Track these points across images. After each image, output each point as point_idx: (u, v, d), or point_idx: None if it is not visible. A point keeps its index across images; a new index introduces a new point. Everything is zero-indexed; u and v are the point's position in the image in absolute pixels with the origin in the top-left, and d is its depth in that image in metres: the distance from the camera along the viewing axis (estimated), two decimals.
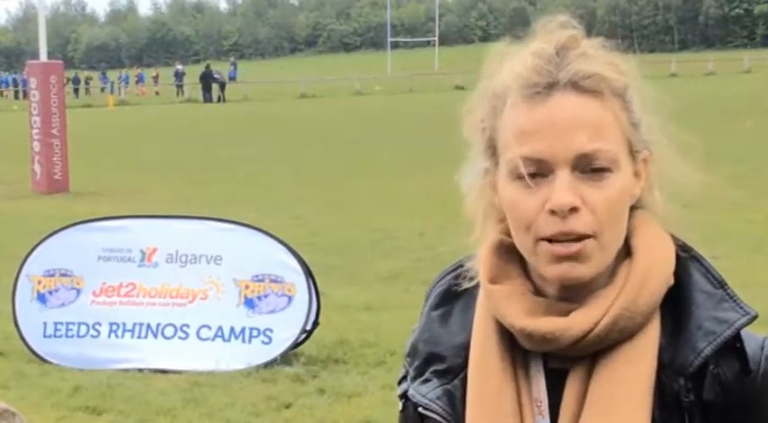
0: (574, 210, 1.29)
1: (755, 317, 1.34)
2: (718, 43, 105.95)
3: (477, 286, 1.43)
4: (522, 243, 1.34)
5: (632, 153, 1.35)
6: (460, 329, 1.43)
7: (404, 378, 1.49)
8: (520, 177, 1.32)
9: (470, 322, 1.42)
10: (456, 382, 1.41)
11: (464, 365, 1.40)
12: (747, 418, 1.34)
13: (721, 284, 1.37)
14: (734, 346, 1.33)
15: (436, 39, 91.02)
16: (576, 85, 1.32)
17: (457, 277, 1.47)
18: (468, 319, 1.43)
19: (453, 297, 1.46)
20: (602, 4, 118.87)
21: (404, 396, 1.48)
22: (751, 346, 1.35)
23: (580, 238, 1.30)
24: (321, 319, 7.33)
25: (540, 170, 1.30)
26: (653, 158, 1.38)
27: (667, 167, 1.39)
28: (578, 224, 1.29)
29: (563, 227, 1.29)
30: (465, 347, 1.41)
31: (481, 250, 1.43)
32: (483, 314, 1.41)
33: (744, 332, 1.34)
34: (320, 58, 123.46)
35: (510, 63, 1.36)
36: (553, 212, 1.29)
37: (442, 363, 1.42)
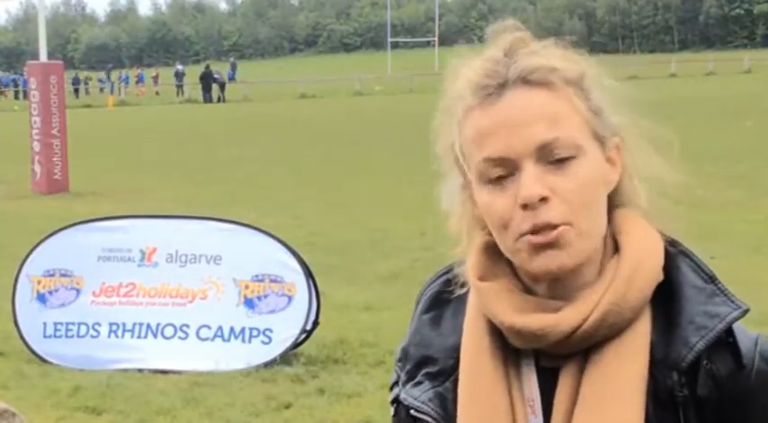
0: (544, 200, 1.29)
1: (747, 311, 1.34)
2: (719, 43, 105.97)
3: (467, 292, 1.44)
4: (504, 244, 1.35)
5: (598, 139, 1.35)
6: (451, 332, 1.43)
7: (395, 383, 1.49)
8: (489, 181, 1.33)
9: (461, 325, 1.42)
10: (447, 384, 1.41)
11: (456, 367, 1.40)
12: (741, 415, 1.34)
13: (712, 279, 1.37)
14: (727, 341, 1.33)
15: (436, 39, 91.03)
16: (525, 80, 1.33)
17: (447, 282, 1.48)
18: (458, 322, 1.43)
19: (444, 301, 1.47)
20: (602, 4, 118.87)
21: (396, 401, 1.48)
22: (744, 343, 1.35)
23: (555, 227, 1.30)
24: (321, 319, 7.33)
25: (505, 169, 1.31)
26: (626, 147, 1.39)
27: (641, 157, 1.39)
28: (551, 214, 1.29)
29: (536, 219, 1.29)
30: (456, 349, 1.41)
31: (470, 255, 1.43)
32: (474, 315, 1.41)
33: (737, 328, 1.35)
34: (320, 58, 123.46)
35: (462, 74, 1.38)
36: (525, 207, 1.29)
37: (433, 365, 1.43)
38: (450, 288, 1.47)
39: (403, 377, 1.46)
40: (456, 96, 1.38)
